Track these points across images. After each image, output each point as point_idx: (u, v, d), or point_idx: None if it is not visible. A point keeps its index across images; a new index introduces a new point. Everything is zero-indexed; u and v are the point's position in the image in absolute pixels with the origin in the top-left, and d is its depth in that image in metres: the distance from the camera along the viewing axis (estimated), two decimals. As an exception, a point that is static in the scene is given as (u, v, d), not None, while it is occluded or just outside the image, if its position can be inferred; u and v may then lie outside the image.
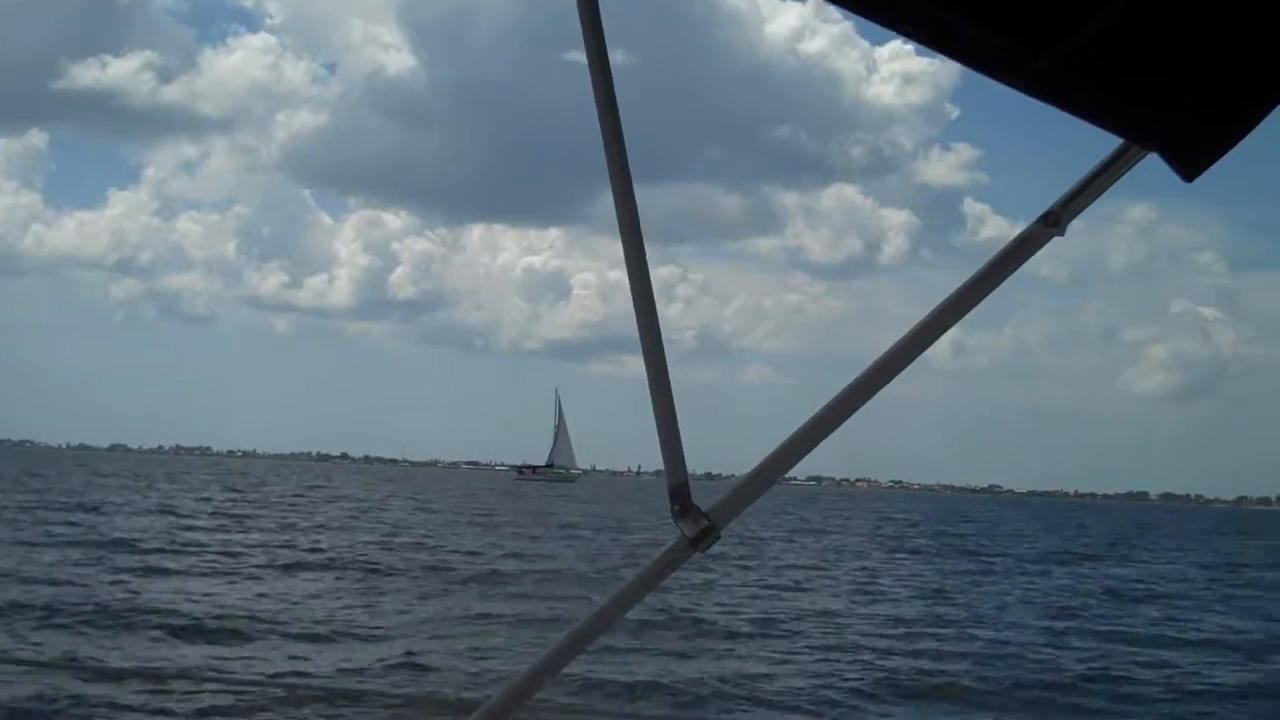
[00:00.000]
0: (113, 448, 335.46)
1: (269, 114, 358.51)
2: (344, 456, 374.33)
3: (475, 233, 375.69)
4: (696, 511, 1.98)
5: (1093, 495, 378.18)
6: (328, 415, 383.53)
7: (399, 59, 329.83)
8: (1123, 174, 1.88)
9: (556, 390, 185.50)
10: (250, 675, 17.47)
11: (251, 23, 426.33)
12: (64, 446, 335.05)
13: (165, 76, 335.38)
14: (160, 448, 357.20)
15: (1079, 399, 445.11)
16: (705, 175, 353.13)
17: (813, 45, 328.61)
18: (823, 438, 2.00)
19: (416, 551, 40.30)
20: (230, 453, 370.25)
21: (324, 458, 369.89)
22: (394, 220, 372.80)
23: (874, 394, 1.99)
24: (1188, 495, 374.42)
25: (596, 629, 2.10)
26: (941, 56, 1.64)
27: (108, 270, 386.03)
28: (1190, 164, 1.70)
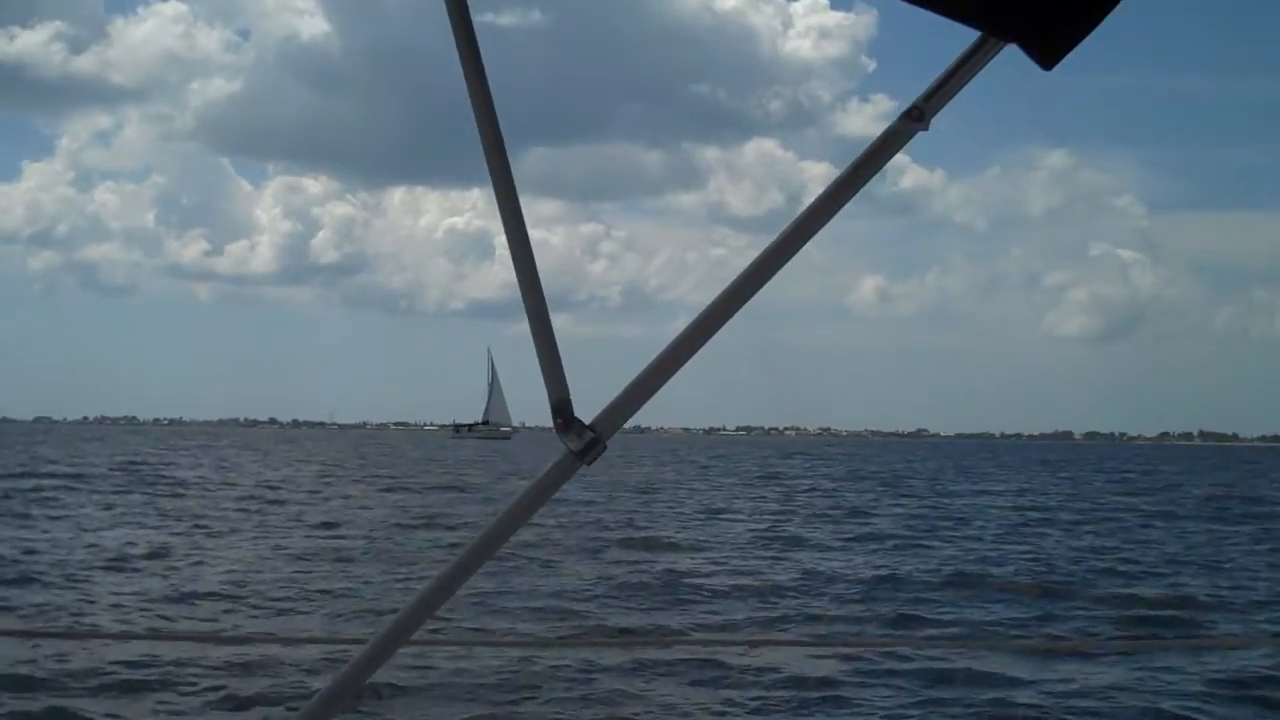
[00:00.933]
0: (37, 420, 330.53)
1: (183, 82, 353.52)
2: (272, 421, 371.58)
3: (396, 195, 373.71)
4: (580, 425, 1.99)
5: (1018, 436, 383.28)
6: (254, 381, 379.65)
7: (313, 24, 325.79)
8: (982, 66, 1.91)
9: (489, 349, 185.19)
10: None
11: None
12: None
13: (76, 47, 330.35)
14: (85, 418, 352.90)
15: (1003, 343, 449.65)
16: (626, 133, 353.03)
17: (728, 2, 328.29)
18: (700, 344, 2.00)
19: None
20: (156, 420, 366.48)
21: (251, 423, 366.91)
22: (314, 185, 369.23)
23: (749, 298, 2.00)
24: (1112, 434, 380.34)
25: (491, 545, 2.11)
26: None
27: (25, 243, 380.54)
28: (1047, 53, 1.73)
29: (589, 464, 2.00)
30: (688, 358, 2.01)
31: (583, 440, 1.98)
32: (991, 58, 1.87)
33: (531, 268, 2.03)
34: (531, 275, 2.03)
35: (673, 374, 2.00)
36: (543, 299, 2.02)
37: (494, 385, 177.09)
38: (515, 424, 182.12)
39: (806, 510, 41.06)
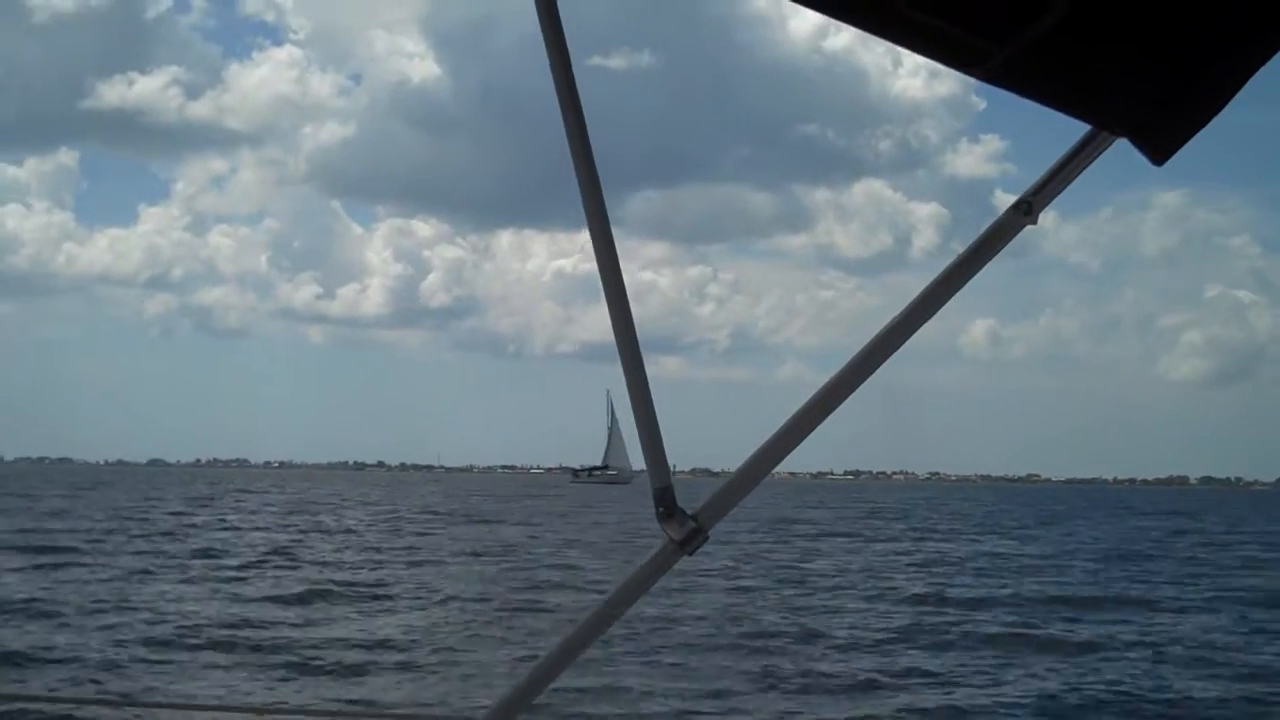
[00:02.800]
0: (151, 463, 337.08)
1: (296, 127, 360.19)
2: (380, 465, 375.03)
3: (504, 238, 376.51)
4: (683, 514, 1.96)
5: (1131, 481, 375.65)
6: (363, 424, 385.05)
7: (423, 68, 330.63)
8: (1092, 160, 1.89)
9: (609, 392, 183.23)
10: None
11: (276, 36, 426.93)
12: (102, 463, 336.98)
13: (192, 92, 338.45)
14: (198, 461, 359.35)
15: (1116, 386, 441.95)
16: (734, 174, 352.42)
17: (837, 42, 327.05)
18: (807, 434, 1.98)
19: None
20: (267, 464, 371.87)
21: (360, 466, 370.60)
22: (424, 228, 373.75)
23: (857, 387, 1.98)
24: (1228, 478, 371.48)
25: (588, 636, 2.07)
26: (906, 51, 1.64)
27: (141, 287, 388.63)
28: (1159, 148, 1.72)
29: (690, 554, 1.97)
30: (792, 448, 1.99)
31: (684, 530, 1.95)
32: (1102, 151, 1.87)
33: (637, 359, 1.99)
34: (637, 365, 2.00)
35: (777, 464, 1.99)
36: (646, 384, 1.99)
37: (614, 429, 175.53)
38: (636, 468, 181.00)
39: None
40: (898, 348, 1.97)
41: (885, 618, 26.94)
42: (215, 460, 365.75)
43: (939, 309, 1.97)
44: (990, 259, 1.95)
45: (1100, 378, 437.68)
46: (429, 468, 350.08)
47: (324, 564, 36.66)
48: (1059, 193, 1.93)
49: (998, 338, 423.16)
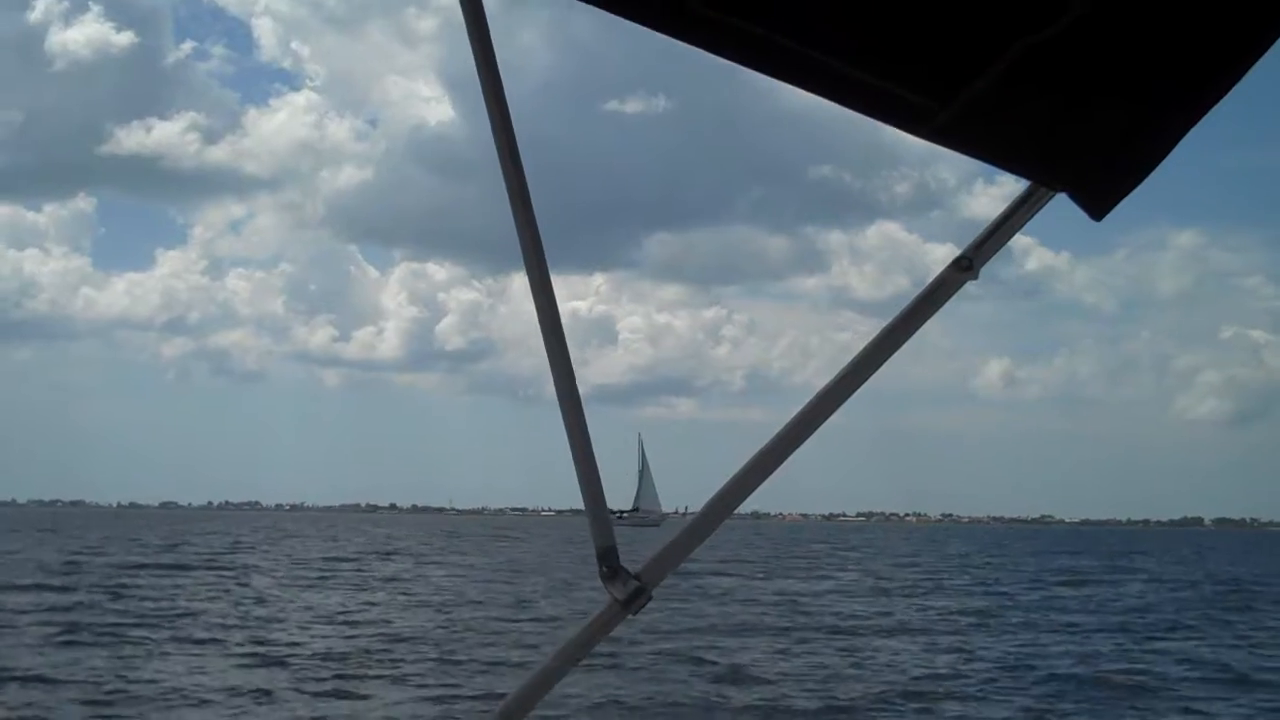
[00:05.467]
0: (163, 505, 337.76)
1: (314, 171, 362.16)
2: (392, 507, 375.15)
3: (519, 280, 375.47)
4: (626, 574, 1.92)
5: (1145, 523, 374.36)
6: (376, 467, 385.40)
7: (439, 110, 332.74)
8: (1032, 215, 1.90)
9: (639, 435, 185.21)
10: None
11: (294, 82, 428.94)
12: (115, 506, 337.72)
13: (210, 137, 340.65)
14: (210, 504, 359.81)
15: (1131, 427, 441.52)
16: (749, 217, 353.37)
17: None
18: (749, 492, 1.96)
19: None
20: (279, 506, 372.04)
21: (373, 509, 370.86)
22: (439, 271, 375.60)
23: (799, 445, 1.96)
24: (1243, 519, 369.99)
25: (529, 700, 2.02)
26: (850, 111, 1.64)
27: (158, 330, 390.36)
28: (1098, 204, 1.71)
29: (634, 614, 1.93)
30: (735, 506, 1.96)
31: (628, 589, 1.91)
32: (1041, 207, 1.87)
33: (579, 417, 1.95)
34: (579, 423, 1.95)
35: (719, 523, 1.96)
36: (589, 445, 1.95)
37: (644, 472, 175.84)
38: (666, 510, 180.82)
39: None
40: (839, 405, 1.96)
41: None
42: (227, 503, 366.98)
43: (881, 365, 1.95)
44: (931, 315, 1.94)
45: (1115, 418, 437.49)
46: (440, 510, 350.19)
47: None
48: (999, 248, 1.92)
49: (1012, 378, 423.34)
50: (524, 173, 1.93)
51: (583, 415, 1.96)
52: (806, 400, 1.95)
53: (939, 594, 46.95)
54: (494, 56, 1.89)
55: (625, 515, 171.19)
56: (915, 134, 1.64)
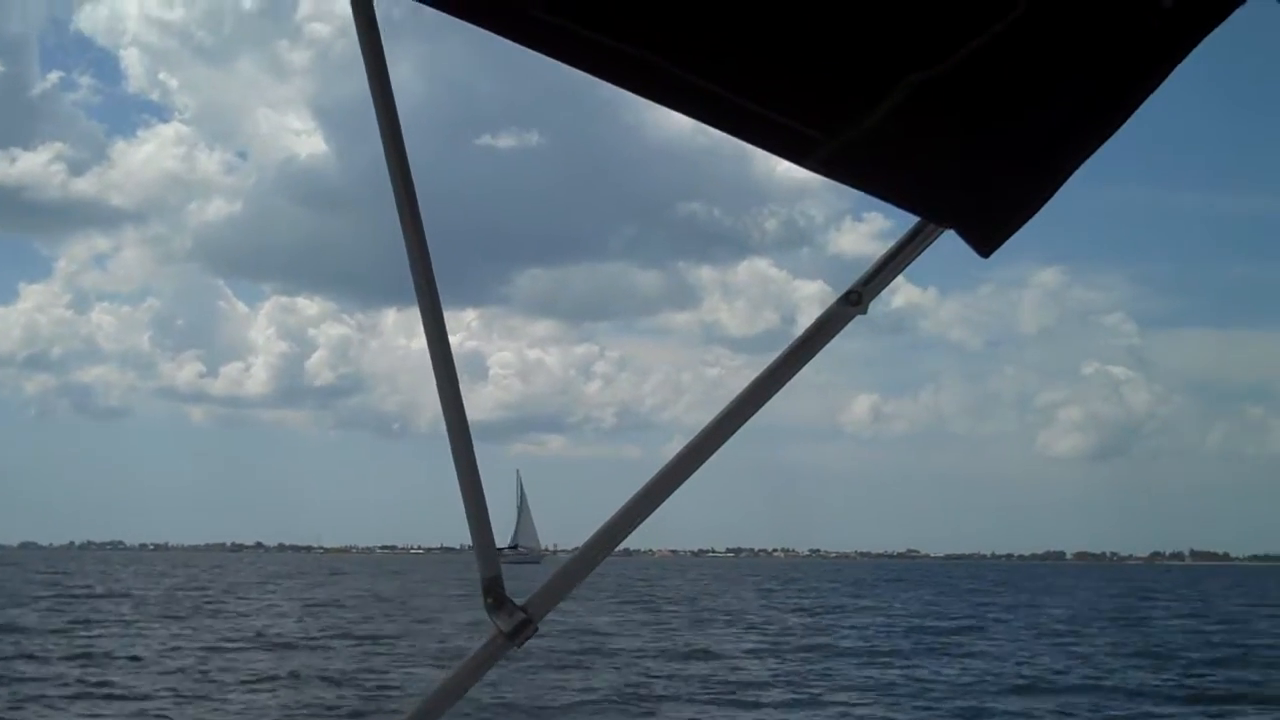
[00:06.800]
0: (23, 545, 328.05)
1: (182, 204, 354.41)
2: (258, 546, 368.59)
3: (390, 316, 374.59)
4: (511, 605, 1.90)
5: (1009, 556, 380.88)
6: (242, 504, 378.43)
7: (310, 144, 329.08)
8: (921, 251, 1.91)
9: (518, 472, 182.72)
10: None
11: (163, 114, 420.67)
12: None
13: (76, 169, 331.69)
14: (71, 543, 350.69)
15: (995, 463, 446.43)
16: (621, 253, 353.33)
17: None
18: (634, 526, 1.96)
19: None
20: (143, 546, 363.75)
21: (238, 548, 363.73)
22: (310, 306, 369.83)
23: (684, 480, 1.96)
24: (1103, 553, 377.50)
25: None
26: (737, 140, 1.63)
27: (19, 366, 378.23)
28: (985, 240, 1.72)
29: (519, 646, 1.92)
30: (621, 538, 1.98)
31: (514, 621, 1.90)
32: (930, 243, 1.89)
33: (468, 448, 1.97)
34: (467, 454, 1.97)
35: (605, 555, 1.97)
36: (477, 474, 1.96)
37: (523, 508, 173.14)
38: (545, 546, 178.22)
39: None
40: (726, 439, 1.96)
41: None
42: (90, 542, 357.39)
43: (768, 400, 1.95)
44: (819, 350, 1.94)
45: (979, 454, 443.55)
46: (308, 548, 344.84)
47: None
48: (888, 283, 1.94)
49: (880, 414, 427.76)
50: (417, 202, 1.96)
51: (471, 446, 1.96)
52: (690, 436, 1.96)
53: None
54: (389, 83, 1.91)
55: (505, 552, 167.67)
56: (801, 165, 1.63)
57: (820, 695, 27.73)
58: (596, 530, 1.97)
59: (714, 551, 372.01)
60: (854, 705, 26.46)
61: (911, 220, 1.87)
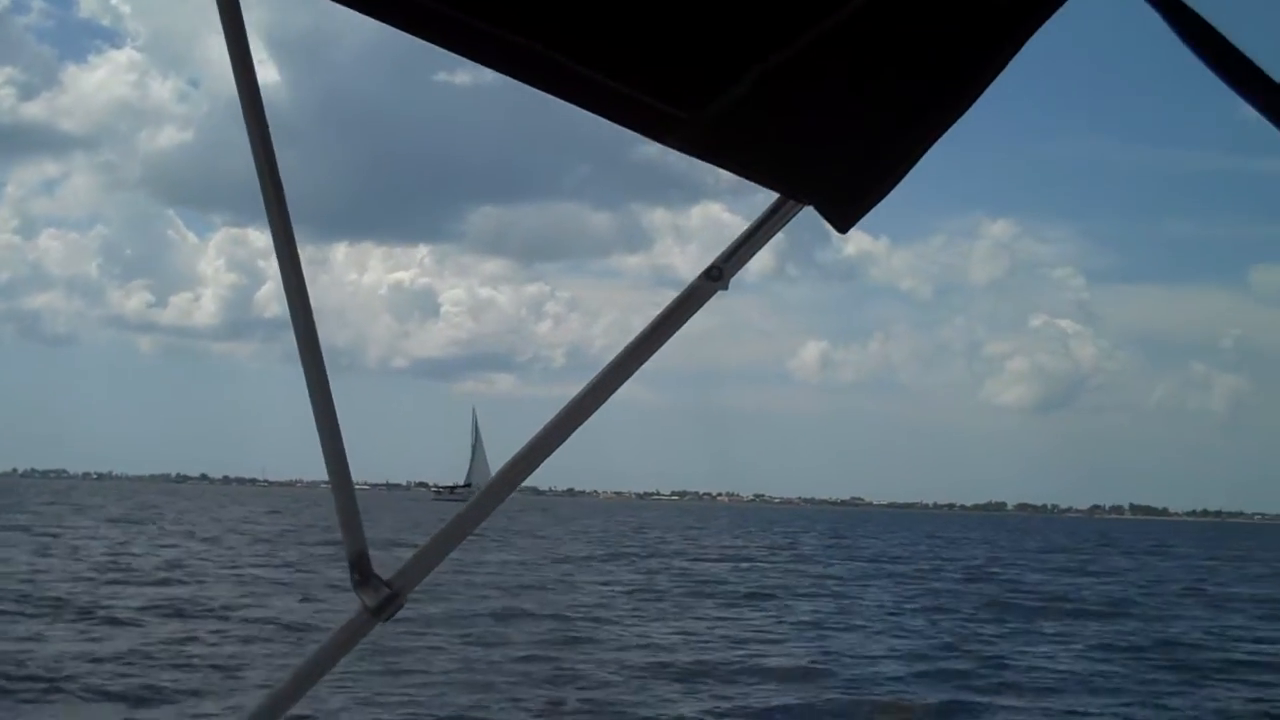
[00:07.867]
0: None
1: (133, 132, 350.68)
2: (203, 477, 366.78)
3: (341, 250, 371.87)
4: (377, 580, 1.87)
5: (951, 506, 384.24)
6: (189, 436, 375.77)
7: (263, 74, 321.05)
8: (780, 227, 1.94)
9: (474, 409, 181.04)
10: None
11: (115, 40, 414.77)
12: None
13: (27, 93, 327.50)
14: (14, 470, 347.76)
15: (942, 412, 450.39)
16: (574, 194, 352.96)
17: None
18: (498, 503, 1.96)
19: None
20: (86, 475, 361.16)
21: (183, 479, 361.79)
22: (260, 238, 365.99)
23: (550, 453, 1.95)
24: (1044, 505, 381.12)
25: (274, 714, 1.95)
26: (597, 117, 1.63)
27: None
28: (842, 217, 1.75)
29: (385, 622, 1.90)
30: (485, 516, 1.99)
31: (380, 596, 1.87)
32: (790, 219, 1.92)
33: (332, 417, 1.94)
34: (332, 425, 1.93)
35: (473, 530, 1.97)
36: (341, 445, 1.92)
37: (477, 446, 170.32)
38: None
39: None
40: (587, 417, 1.96)
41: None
42: (33, 470, 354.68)
43: (631, 375, 1.95)
44: (682, 325, 1.94)
45: (926, 403, 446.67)
46: (253, 481, 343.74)
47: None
48: (749, 259, 1.96)
49: (829, 361, 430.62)
50: (273, 149, 1.98)
51: (333, 408, 1.94)
52: (550, 417, 1.95)
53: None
54: (240, 14, 1.91)
55: (458, 490, 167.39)
56: (662, 143, 1.64)
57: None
58: (463, 508, 1.97)
59: (659, 494, 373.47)
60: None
61: (772, 197, 1.91)
